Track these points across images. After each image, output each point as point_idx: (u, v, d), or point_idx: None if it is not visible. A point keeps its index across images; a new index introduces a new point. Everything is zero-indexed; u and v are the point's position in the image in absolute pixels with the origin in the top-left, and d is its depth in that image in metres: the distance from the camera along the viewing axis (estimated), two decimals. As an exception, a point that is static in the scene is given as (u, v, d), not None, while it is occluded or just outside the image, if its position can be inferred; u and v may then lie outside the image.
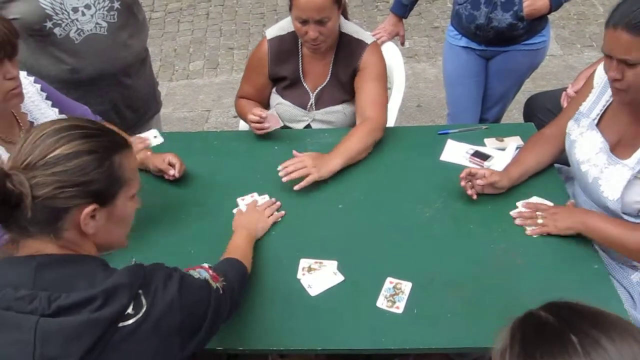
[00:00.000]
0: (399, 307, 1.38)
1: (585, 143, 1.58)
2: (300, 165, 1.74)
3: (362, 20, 4.56)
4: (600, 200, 1.52)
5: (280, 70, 2.04)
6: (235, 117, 3.66)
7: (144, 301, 0.96)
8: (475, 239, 1.57)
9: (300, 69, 2.04)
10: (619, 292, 1.44)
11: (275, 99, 2.12)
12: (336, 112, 2.07)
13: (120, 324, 0.92)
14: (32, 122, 1.60)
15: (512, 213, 1.63)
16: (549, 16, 2.29)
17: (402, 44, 2.66)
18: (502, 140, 1.91)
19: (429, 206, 1.68)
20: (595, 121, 1.58)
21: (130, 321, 0.93)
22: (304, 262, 1.52)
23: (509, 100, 2.61)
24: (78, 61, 1.97)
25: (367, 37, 1.98)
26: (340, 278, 1.48)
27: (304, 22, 1.81)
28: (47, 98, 1.66)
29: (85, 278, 0.95)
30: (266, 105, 2.16)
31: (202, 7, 5.02)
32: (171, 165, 1.80)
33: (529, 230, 1.58)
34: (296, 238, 1.61)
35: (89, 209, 0.97)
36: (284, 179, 1.73)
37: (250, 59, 2.10)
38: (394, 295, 1.41)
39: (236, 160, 1.94)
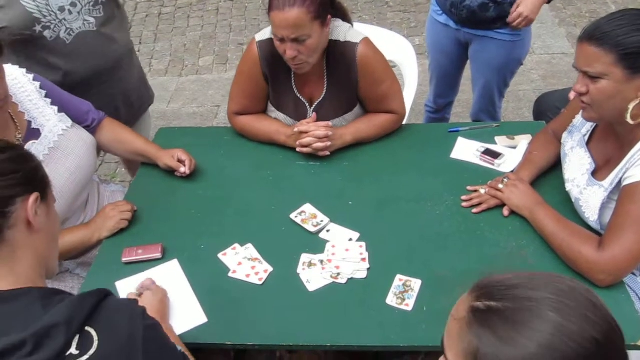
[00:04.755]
0: (409, 305, 1.38)
1: (574, 160, 1.58)
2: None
3: (371, 17, 4.55)
4: (584, 219, 1.53)
5: (274, 70, 1.86)
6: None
7: (95, 338, 0.86)
8: (485, 237, 1.56)
9: (293, 79, 1.90)
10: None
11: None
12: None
13: None
14: (29, 122, 1.59)
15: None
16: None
17: None
18: (513, 139, 1.90)
19: (439, 204, 1.68)
20: (586, 138, 1.58)
21: None
22: (306, 257, 1.52)
23: (494, 96, 2.55)
24: (71, 64, 1.94)
25: (354, 36, 1.80)
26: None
27: (282, 40, 1.68)
28: (47, 96, 1.64)
29: (21, 317, 0.86)
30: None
31: (212, 3, 5.02)
32: (181, 162, 1.80)
33: (482, 191, 1.67)
34: (306, 234, 1.61)
35: (34, 196, 0.98)
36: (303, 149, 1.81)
37: (240, 65, 1.91)
38: (404, 292, 1.41)
39: (246, 155, 1.94)
